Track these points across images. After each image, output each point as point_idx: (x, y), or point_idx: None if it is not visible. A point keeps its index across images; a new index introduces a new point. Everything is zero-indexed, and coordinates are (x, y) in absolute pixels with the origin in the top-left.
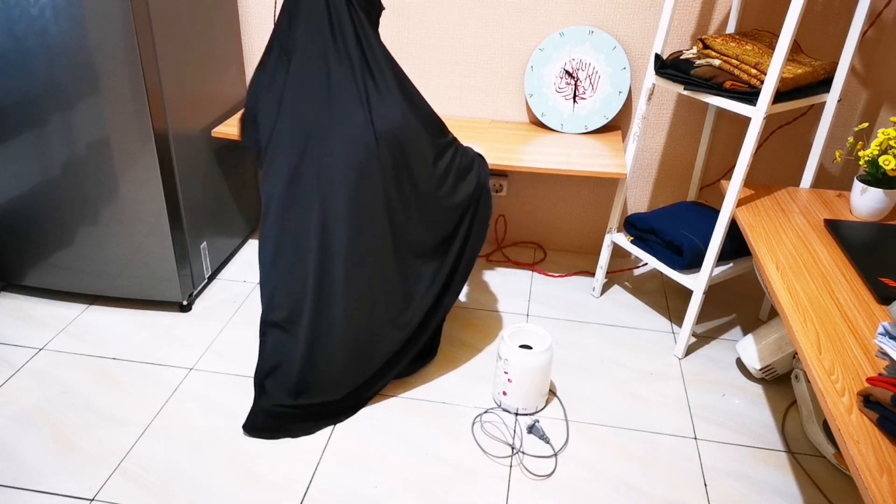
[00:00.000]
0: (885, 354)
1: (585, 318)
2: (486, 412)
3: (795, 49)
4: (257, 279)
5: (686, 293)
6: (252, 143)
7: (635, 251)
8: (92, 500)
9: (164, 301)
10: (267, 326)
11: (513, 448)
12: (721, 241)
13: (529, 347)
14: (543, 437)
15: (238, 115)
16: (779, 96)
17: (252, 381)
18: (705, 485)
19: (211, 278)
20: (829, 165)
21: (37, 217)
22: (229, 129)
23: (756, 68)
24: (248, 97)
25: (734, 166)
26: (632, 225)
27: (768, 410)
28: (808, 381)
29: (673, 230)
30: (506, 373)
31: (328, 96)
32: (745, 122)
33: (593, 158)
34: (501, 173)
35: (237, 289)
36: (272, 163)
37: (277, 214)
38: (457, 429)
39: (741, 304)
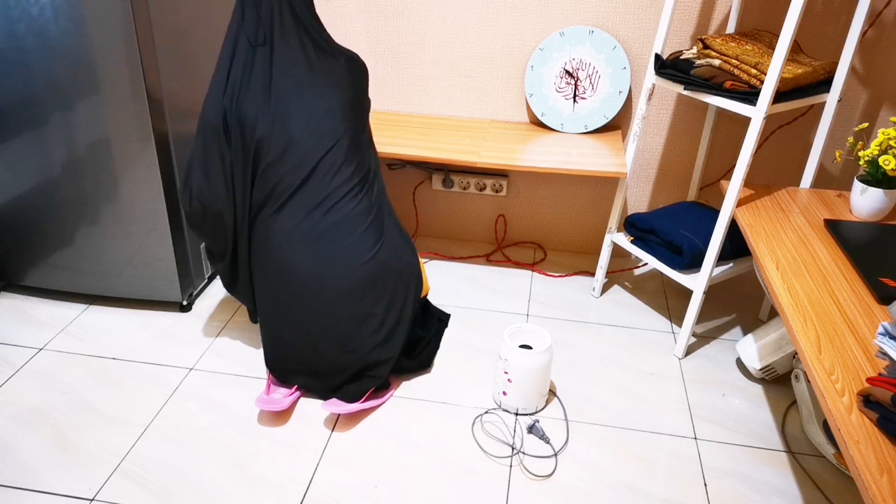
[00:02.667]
0: (885, 354)
1: (585, 318)
2: (486, 412)
3: (795, 49)
4: None
5: (686, 293)
6: (219, 124)
7: (635, 251)
8: (92, 500)
9: (164, 301)
10: None
11: (513, 448)
12: (721, 241)
13: (529, 347)
14: (543, 437)
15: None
16: (779, 96)
17: (252, 380)
18: (705, 485)
19: (211, 278)
20: (829, 165)
21: (37, 217)
22: None
23: (756, 68)
24: (223, 86)
25: (734, 166)
26: (632, 225)
27: (768, 410)
28: (808, 381)
29: (673, 230)
30: (506, 373)
31: (311, 74)
32: (745, 122)
33: (593, 158)
34: (501, 173)
35: None
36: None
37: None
38: (457, 429)
39: (741, 304)
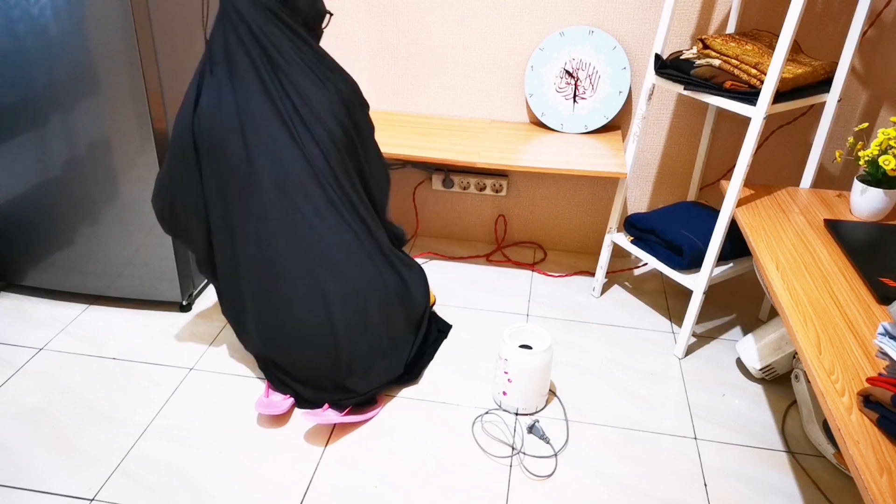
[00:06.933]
0: (885, 354)
1: (585, 318)
2: (486, 412)
3: (795, 49)
4: None
5: (686, 293)
6: (188, 140)
7: (635, 251)
8: (92, 500)
9: (164, 301)
10: None
11: (513, 448)
12: (721, 241)
13: (529, 347)
14: (543, 437)
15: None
16: (779, 96)
17: (252, 380)
18: (705, 485)
19: None
20: (829, 165)
21: (37, 217)
22: None
23: (756, 68)
24: (192, 106)
25: (734, 166)
26: (632, 225)
27: (768, 410)
28: (808, 381)
29: (673, 230)
30: (506, 373)
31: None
32: (745, 122)
33: (593, 158)
34: (501, 173)
35: None
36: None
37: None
38: (457, 429)
39: (741, 304)
